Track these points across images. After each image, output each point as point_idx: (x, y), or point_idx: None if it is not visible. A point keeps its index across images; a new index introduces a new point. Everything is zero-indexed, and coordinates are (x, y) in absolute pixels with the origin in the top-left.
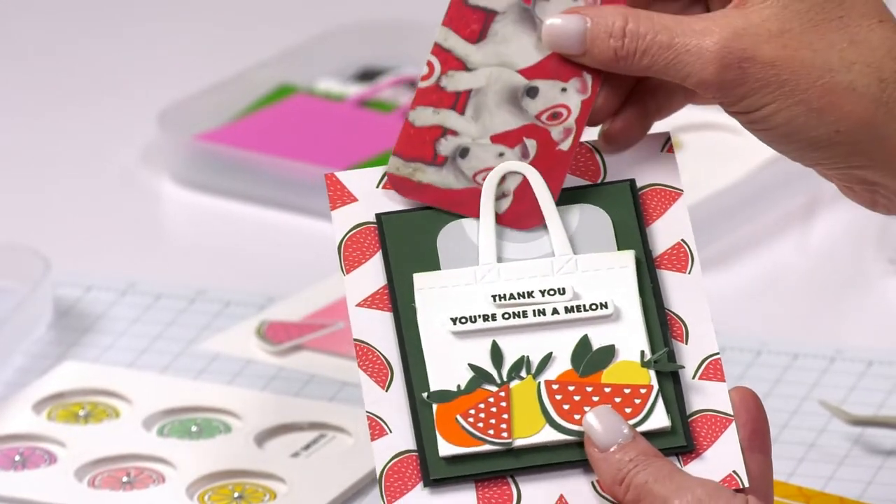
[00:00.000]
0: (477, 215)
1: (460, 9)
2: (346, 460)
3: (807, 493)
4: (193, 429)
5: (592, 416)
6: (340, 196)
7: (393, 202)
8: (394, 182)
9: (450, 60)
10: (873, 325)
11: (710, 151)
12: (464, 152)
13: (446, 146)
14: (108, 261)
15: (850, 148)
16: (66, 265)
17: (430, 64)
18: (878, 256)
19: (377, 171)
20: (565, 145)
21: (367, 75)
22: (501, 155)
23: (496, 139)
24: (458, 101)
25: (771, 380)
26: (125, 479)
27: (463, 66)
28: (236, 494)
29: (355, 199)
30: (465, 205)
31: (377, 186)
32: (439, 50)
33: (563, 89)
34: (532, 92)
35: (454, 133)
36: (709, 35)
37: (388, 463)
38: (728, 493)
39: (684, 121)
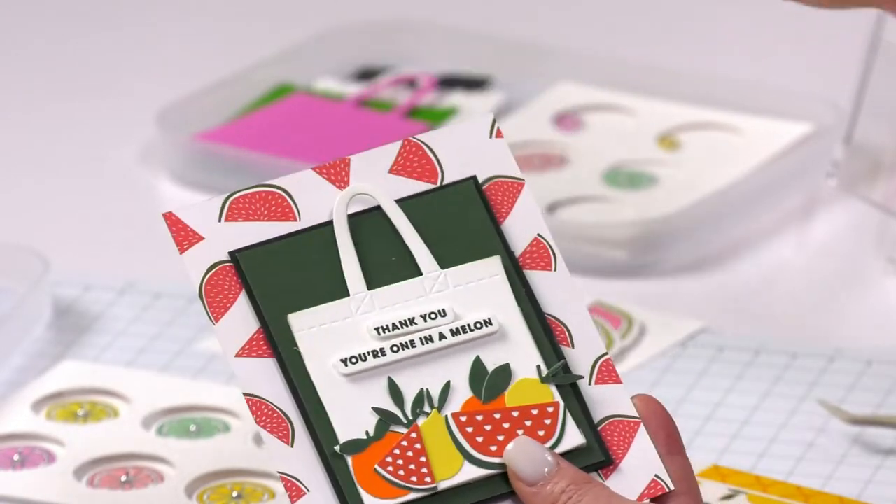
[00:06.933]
0: None
1: None
2: None
3: (806, 492)
4: (192, 428)
5: (514, 450)
6: (185, 236)
7: (240, 235)
8: None
9: None
10: (872, 324)
11: (709, 151)
12: None
13: None
14: (107, 260)
15: None
16: (65, 264)
17: None
18: (877, 256)
19: (216, 203)
20: None
21: (367, 74)
22: None
23: None
24: None
25: (770, 379)
26: (124, 478)
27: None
28: (235, 493)
29: (201, 238)
30: None
31: (220, 219)
32: None
33: None
34: None
35: None
36: None
37: None
38: None
39: (684, 120)
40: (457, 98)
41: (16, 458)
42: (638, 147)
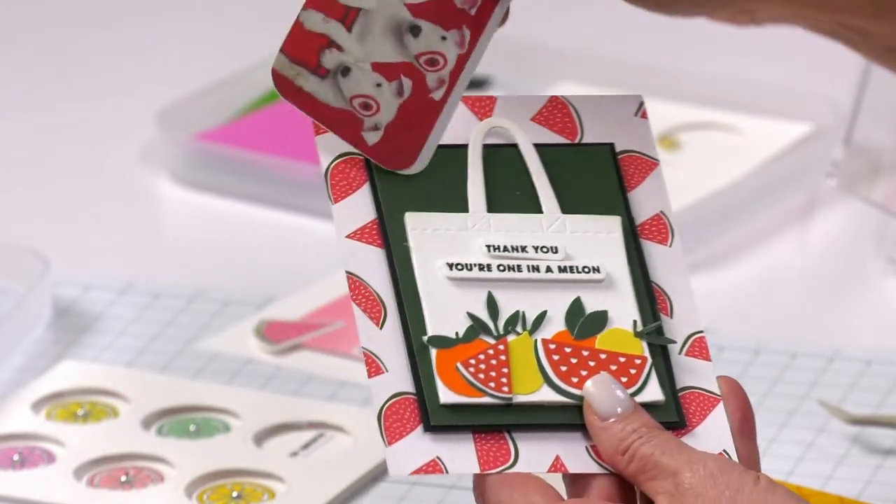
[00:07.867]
0: (348, 139)
1: None
2: (345, 460)
3: (805, 492)
4: (192, 428)
5: (592, 383)
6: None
7: None
8: (277, 80)
9: None
10: (872, 324)
11: (709, 151)
12: (345, 71)
13: (330, 59)
14: (107, 260)
15: None
16: (65, 265)
17: None
18: (876, 256)
19: None
20: (437, 95)
21: None
22: (379, 86)
23: (377, 68)
24: (348, 17)
25: (770, 379)
26: (124, 478)
27: None
28: (235, 494)
29: None
30: (337, 125)
31: None
32: None
33: (444, 38)
34: (415, 30)
35: (339, 48)
36: None
37: (386, 402)
38: (739, 468)
39: (684, 120)
40: None
41: (16, 458)
42: None
